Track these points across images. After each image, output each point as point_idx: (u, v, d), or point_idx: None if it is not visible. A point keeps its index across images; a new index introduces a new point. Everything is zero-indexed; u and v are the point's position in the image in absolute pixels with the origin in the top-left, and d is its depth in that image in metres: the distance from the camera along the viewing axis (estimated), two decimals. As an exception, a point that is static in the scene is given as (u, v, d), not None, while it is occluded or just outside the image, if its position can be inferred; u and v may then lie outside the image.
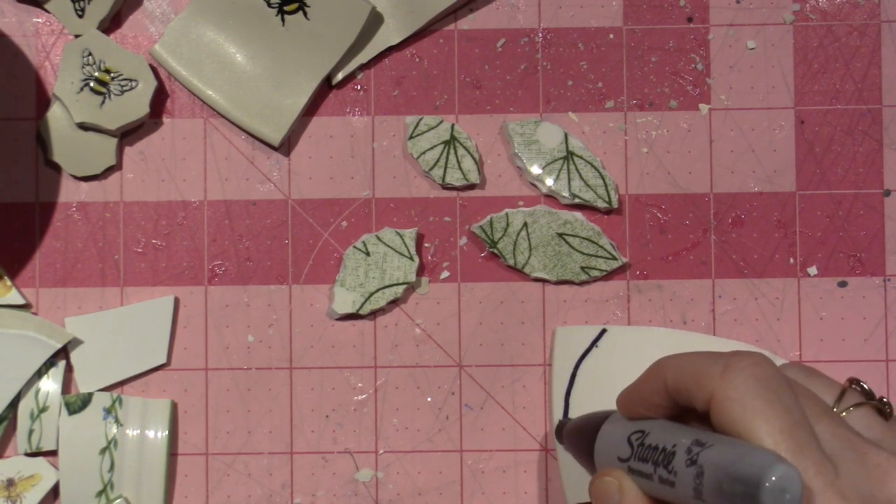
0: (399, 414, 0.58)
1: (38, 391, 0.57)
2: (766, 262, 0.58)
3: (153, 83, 0.57)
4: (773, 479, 0.36)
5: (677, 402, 0.43)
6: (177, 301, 0.58)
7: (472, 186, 0.58)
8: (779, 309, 0.58)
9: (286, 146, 0.58)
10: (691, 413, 0.43)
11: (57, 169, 0.58)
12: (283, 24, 0.57)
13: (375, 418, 0.58)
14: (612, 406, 0.56)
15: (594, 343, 0.57)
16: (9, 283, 0.57)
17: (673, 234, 0.58)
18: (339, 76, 0.58)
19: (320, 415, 0.58)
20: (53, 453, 0.57)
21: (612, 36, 0.59)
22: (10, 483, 0.56)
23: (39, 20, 0.58)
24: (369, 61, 0.59)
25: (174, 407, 0.57)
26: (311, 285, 0.58)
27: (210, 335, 0.58)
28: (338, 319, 0.58)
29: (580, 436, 0.50)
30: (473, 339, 0.58)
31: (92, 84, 0.57)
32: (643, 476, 0.42)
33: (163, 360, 0.58)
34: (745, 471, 0.37)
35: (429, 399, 0.58)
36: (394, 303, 0.58)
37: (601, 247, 0.57)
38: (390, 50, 0.59)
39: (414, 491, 0.58)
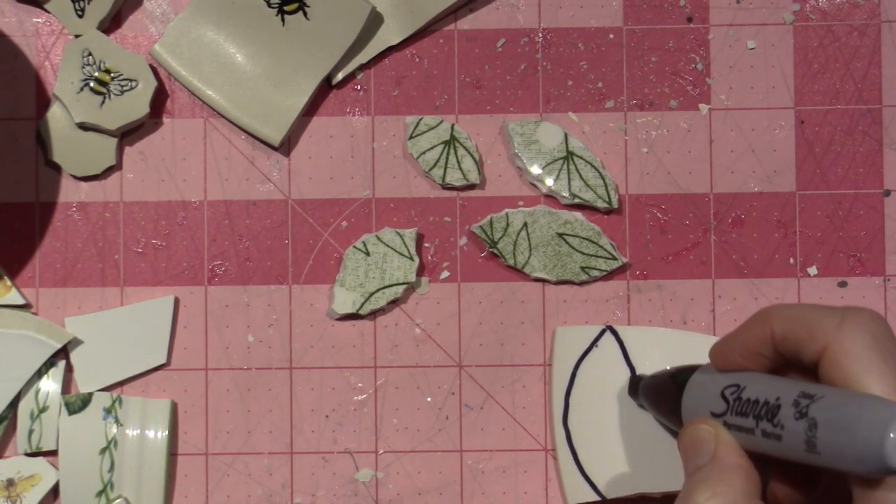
0: (399, 414, 0.58)
1: (38, 391, 0.57)
2: (766, 262, 0.58)
3: (153, 83, 0.57)
4: None
5: (780, 353, 0.42)
6: (177, 301, 0.58)
7: (472, 186, 0.58)
8: (779, 309, 0.58)
9: (286, 146, 0.58)
10: (791, 366, 0.42)
11: (57, 169, 0.58)
12: (283, 24, 0.57)
13: (375, 418, 0.58)
14: (611, 406, 0.57)
15: (594, 343, 0.57)
16: (9, 283, 0.57)
17: (673, 234, 0.58)
18: (339, 76, 0.58)
19: (320, 415, 0.58)
20: (53, 453, 0.57)
21: (612, 36, 0.59)
22: (10, 483, 0.56)
23: (39, 20, 0.58)
24: (369, 61, 0.59)
25: (174, 407, 0.57)
26: (311, 285, 0.58)
27: (210, 335, 0.58)
28: (338, 319, 0.58)
29: (661, 392, 0.49)
30: (473, 339, 0.58)
31: (92, 84, 0.57)
32: (742, 430, 0.42)
33: (163, 360, 0.58)
34: (868, 419, 0.36)
35: (429, 399, 0.58)
36: (394, 303, 0.58)
37: (601, 247, 0.57)
38: (390, 50, 0.59)
39: (414, 491, 0.58)
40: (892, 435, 0.36)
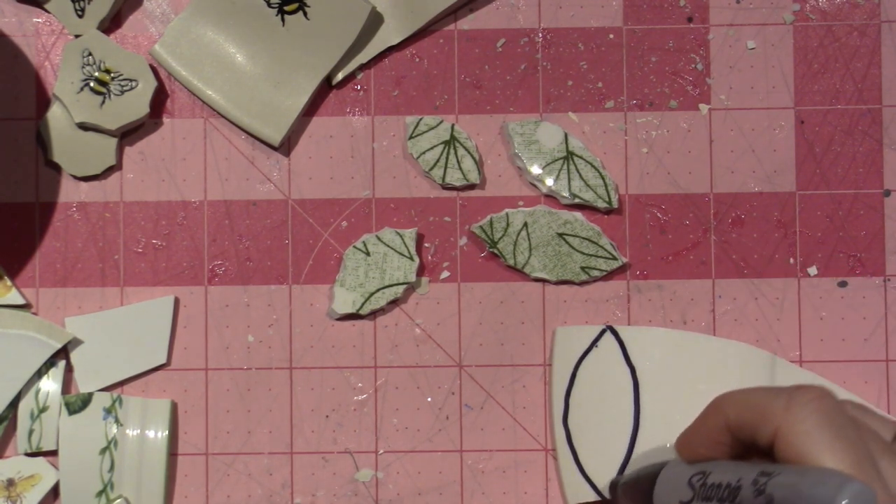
0: (399, 414, 0.58)
1: (38, 391, 0.57)
2: (766, 262, 0.58)
3: (153, 83, 0.57)
4: (850, 496, 0.36)
5: (739, 440, 0.43)
6: (177, 301, 0.58)
7: (472, 186, 0.58)
8: (779, 309, 0.58)
9: (286, 146, 0.58)
10: (753, 451, 0.43)
11: (57, 169, 0.58)
12: (283, 24, 0.57)
13: (375, 418, 0.58)
14: (613, 404, 0.57)
15: (594, 343, 0.57)
16: (9, 283, 0.57)
17: (673, 234, 0.58)
18: (339, 76, 0.58)
19: (320, 415, 0.58)
20: (53, 453, 0.57)
21: (612, 36, 0.59)
22: (10, 483, 0.56)
23: (39, 20, 0.58)
24: (369, 61, 0.59)
25: (174, 407, 0.57)
26: (311, 285, 0.58)
27: (210, 335, 0.58)
28: (338, 319, 0.58)
29: (637, 488, 0.50)
30: (473, 339, 0.58)
31: (92, 84, 0.57)
32: None
33: (163, 360, 0.58)
34: (820, 491, 0.37)
35: (429, 399, 0.58)
36: (394, 303, 0.58)
37: (601, 247, 0.57)
38: (390, 50, 0.59)
39: (414, 491, 0.58)
40: (843, 502, 0.36)
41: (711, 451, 0.44)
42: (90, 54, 0.57)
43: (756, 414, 0.42)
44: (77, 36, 0.57)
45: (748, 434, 0.42)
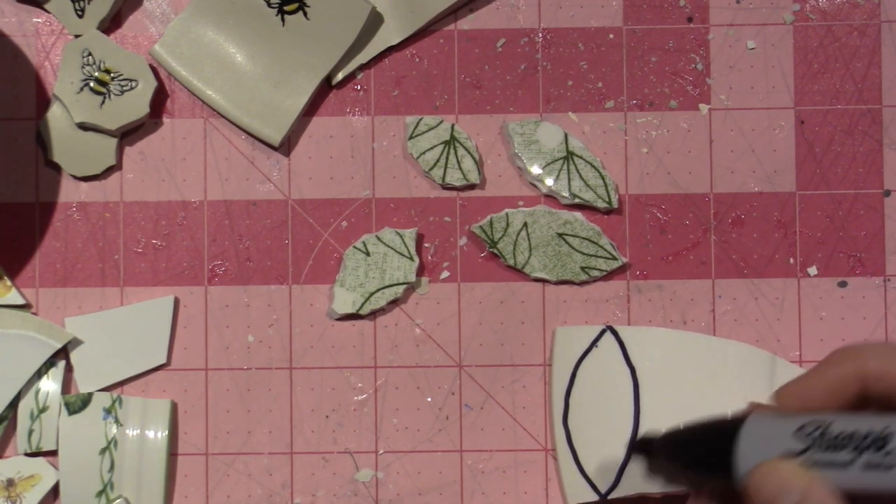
0: (399, 414, 0.58)
1: (38, 391, 0.57)
2: (766, 262, 0.58)
3: (153, 83, 0.57)
4: None
5: (867, 392, 0.42)
6: (177, 301, 0.58)
7: (472, 186, 0.58)
8: (779, 309, 0.58)
9: (286, 146, 0.58)
10: (870, 407, 0.42)
11: (57, 169, 0.58)
12: (283, 24, 0.57)
13: (375, 418, 0.58)
14: (613, 405, 0.56)
15: (594, 343, 0.57)
16: (9, 283, 0.57)
17: (673, 234, 0.58)
18: (339, 76, 0.58)
19: (320, 415, 0.58)
20: (53, 453, 0.57)
21: (612, 36, 0.59)
22: (10, 483, 0.56)
23: (39, 20, 0.58)
24: (369, 61, 0.59)
25: (174, 407, 0.57)
26: (311, 285, 0.58)
27: (210, 335, 0.58)
28: (338, 319, 0.58)
29: (694, 443, 0.47)
30: (473, 339, 0.58)
31: (92, 84, 0.57)
32: (832, 467, 0.42)
33: (163, 360, 0.58)
34: None
35: (429, 399, 0.58)
36: (394, 303, 0.58)
37: (601, 247, 0.57)
38: (390, 50, 0.59)
39: (414, 491, 0.58)
40: None
41: (829, 402, 0.43)
42: (90, 54, 0.57)
43: None
44: (77, 36, 0.57)
45: (889, 385, 0.41)
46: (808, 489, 0.41)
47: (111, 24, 0.58)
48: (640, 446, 0.50)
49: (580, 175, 0.58)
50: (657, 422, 0.56)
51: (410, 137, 0.58)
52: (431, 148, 0.58)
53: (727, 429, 0.45)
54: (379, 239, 0.57)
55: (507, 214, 0.57)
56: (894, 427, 0.40)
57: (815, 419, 0.43)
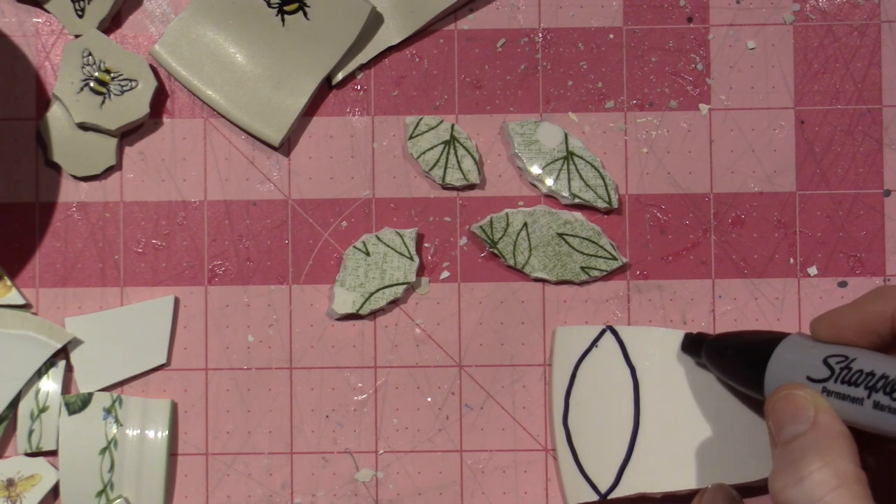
0: (399, 414, 0.58)
1: (38, 391, 0.57)
2: (766, 262, 0.58)
3: (153, 83, 0.57)
4: None
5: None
6: (177, 301, 0.58)
7: (472, 186, 0.58)
8: (779, 309, 0.58)
9: (286, 146, 0.58)
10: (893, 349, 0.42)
11: (57, 169, 0.58)
12: (283, 24, 0.57)
13: (375, 418, 0.58)
14: (613, 405, 0.57)
15: (594, 343, 0.57)
16: (9, 283, 0.57)
17: (673, 234, 0.58)
18: (339, 76, 0.58)
19: (320, 415, 0.58)
20: (53, 453, 0.57)
21: (612, 36, 0.59)
22: (10, 483, 0.56)
23: (39, 20, 0.58)
24: (369, 61, 0.59)
25: (174, 407, 0.57)
26: (311, 285, 0.58)
27: (210, 335, 0.58)
28: (338, 319, 0.58)
29: (736, 351, 0.48)
30: (473, 339, 0.58)
31: (92, 84, 0.57)
32: (845, 399, 0.42)
33: (163, 360, 0.58)
34: None
35: (429, 399, 0.58)
36: (394, 303, 0.58)
37: (601, 247, 0.57)
38: (390, 50, 0.59)
39: (414, 491, 0.58)
40: None
41: (859, 338, 0.43)
42: (90, 54, 0.57)
43: None
44: (77, 36, 0.57)
45: None
46: (818, 417, 0.42)
47: (111, 24, 0.58)
48: (691, 345, 0.53)
49: (580, 175, 0.58)
50: (657, 422, 0.56)
51: (410, 137, 0.58)
52: (431, 148, 0.58)
53: (767, 346, 0.46)
54: (379, 239, 0.57)
55: (507, 214, 0.57)
56: None
57: (842, 351, 0.43)
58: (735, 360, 0.49)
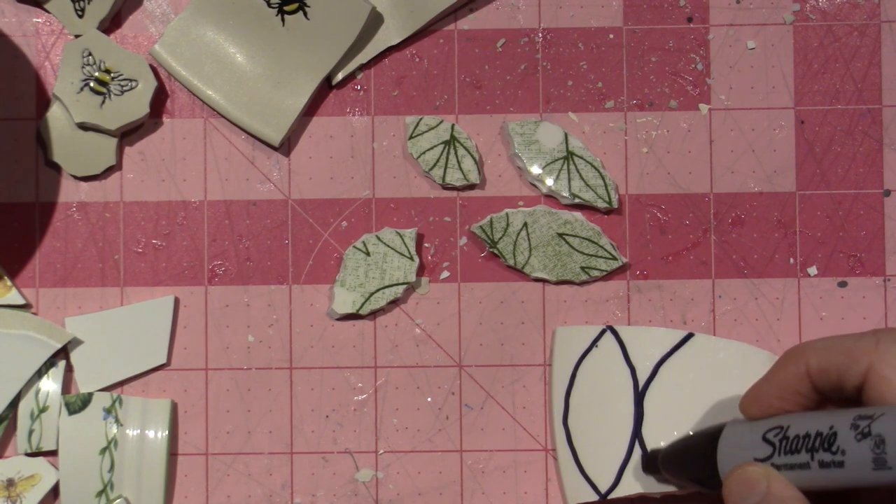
0: (399, 414, 0.58)
1: (38, 391, 0.57)
2: (766, 262, 0.58)
3: (153, 83, 0.57)
4: None
5: (818, 389, 0.43)
6: (177, 301, 0.58)
7: (472, 186, 0.58)
8: (779, 309, 0.58)
9: (286, 146, 0.58)
10: (827, 402, 0.43)
11: (57, 169, 0.58)
12: (283, 24, 0.57)
13: (375, 418, 0.58)
14: (613, 405, 0.57)
15: (594, 343, 0.57)
16: (9, 283, 0.57)
17: (673, 234, 0.58)
18: (339, 76, 0.58)
19: (320, 415, 0.58)
20: (53, 453, 0.57)
21: (612, 36, 0.59)
22: (10, 483, 0.56)
23: (39, 20, 0.58)
24: (369, 61, 0.59)
25: (174, 407, 0.57)
26: (311, 285, 0.58)
27: (210, 335, 0.58)
28: (338, 319, 0.58)
29: (687, 455, 0.49)
30: (473, 339, 0.58)
31: (92, 84, 0.57)
32: (794, 468, 0.42)
33: (163, 360, 0.58)
34: None
35: (429, 399, 0.58)
36: (394, 303, 0.58)
37: (601, 247, 0.57)
38: (390, 50, 0.59)
39: (414, 491, 0.58)
40: None
41: (785, 404, 0.44)
42: (90, 54, 0.57)
43: (842, 356, 0.41)
44: (77, 36, 0.57)
45: (833, 379, 0.42)
46: (771, 487, 0.43)
47: (111, 24, 0.58)
48: (648, 463, 0.54)
49: (580, 175, 0.58)
50: (657, 422, 0.56)
51: (410, 137, 0.58)
52: (431, 148, 0.58)
53: (710, 442, 0.47)
54: (379, 239, 0.57)
55: (507, 214, 0.57)
56: (838, 425, 0.41)
57: (776, 423, 0.44)
58: (688, 465, 0.50)
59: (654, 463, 0.53)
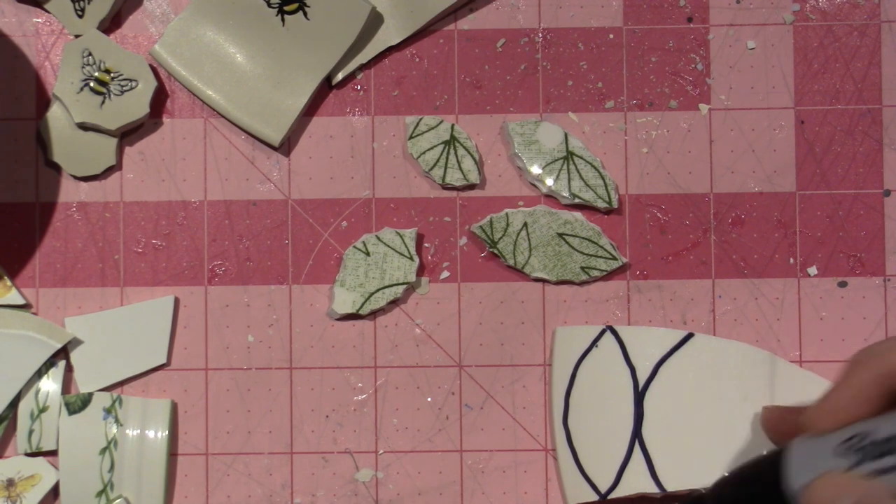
0: (399, 414, 0.58)
1: (38, 391, 0.57)
2: (766, 262, 0.58)
3: (153, 83, 0.57)
4: None
5: (893, 391, 0.42)
6: (177, 301, 0.58)
7: (472, 186, 0.58)
8: (779, 309, 0.58)
9: (286, 146, 0.58)
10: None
11: (57, 169, 0.58)
12: (283, 24, 0.57)
13: (375, 418, 0.58)
14: (613, 404, 0.57)
15: (594, 343, 0.57)
16: (9, 283, 0.57)
17: (673, 234, 0.58)
18: (339, 76, 0.58)
19: (320, 415, 0.58)
20: (53, 453, 0.57)
21: (612, 36, 0.59)
22: (10, 483, 0.56)
23: (39, 20, 0.58)
24: (369, 61, 0.59)
25: (174, 407, 0.57)
26: (311, 285, 0.58)
27: (210, 335, 0.58)
28: (338, 319, 0.58)
29: (743, 492, 0.47)
30: (473, 339, 0.58)
31: (92, 84, 0.57)
32: (882, 473, 0.41)
33: (163, 360, 0.58)
34: None
35: (429, 399, 0.58)
36: (394, 303, 0.58)
37: (601, 247, 0.57)
38: (390, 50, 0.59)
39: (414, 491, 0.58)
40: None
41: (858, 411, 0.43)
42: (90, 54, 0.57)
43: None
44: (77, 36, 0.57)
45: None
46: (865, 490, 0.41)
47: (111, 24, 0.58)
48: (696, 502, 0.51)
49: (580, 175, 0.58)
50: (657, 422, 0.56)
51: (410, 137, 0.58)
52: (431, 148, 0.58)
53: (772, 464, 0.45)
54: (379, 239, 0.57)
55: (507, 214, 0.57)
56: None
57: (855, 431, 0.43)
58: (748, 496, 0.47)
59: (703, 500, 0.50)
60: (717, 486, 0.49)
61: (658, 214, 0.58)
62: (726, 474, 0.49)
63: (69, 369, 0.57)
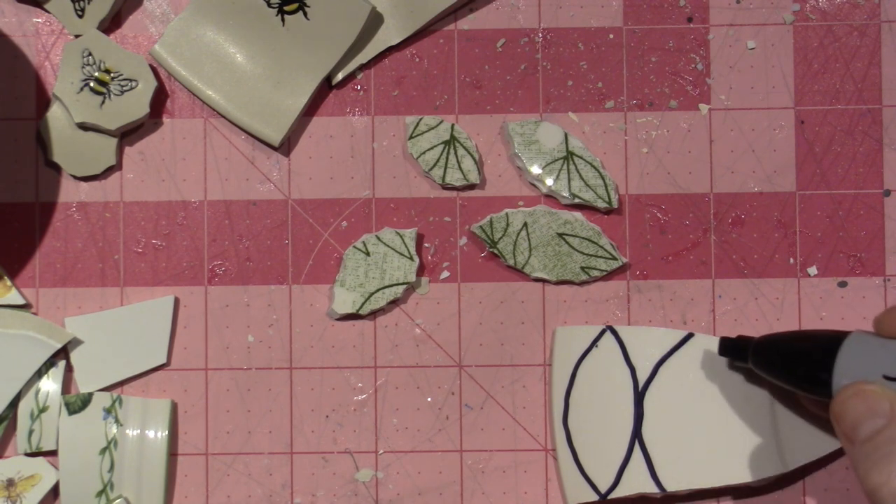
0: (399, 414, 0.58)
1: (38, 391, 0.57)
2: (766, 262, 0.58)
3: (153, 83, 0.57)
4: None
5: None
6: (177, 301, 0.58)
7: (472, 186, 0.58)
8: (779, 309, 0.58)
9: (286, 146, 0.58)
10: None
11: (57, 169, 0.58)
12: (283, 24, 0.57)
13: (375, 418, 0.58)
14: (613, 404, 0.56)
15: (594, 343, 0.57)
16: (9, 283, 0.57)
17: (673, 234, 0.58)
18: (339, 76, 0.58)
19: (320, 415, 0.58)
20: (53, 453, 0.57)
21: (612, 36, 0.59)
22: (10, 483, 0.56)
23: (39, 20, 0.58)
24: (369, 61, 0.59)
25: (174, 407, 0.57)
26: (311, 285, 0.58)
27: (210, 335, 0.58)
28: (338, 319, 0.58)
29: (794, 352, 0.46)
30: (473, 339, 0.58)
31: (92, 84, 0.57)
32: None
33: (163, 360, 0.58)
34: None
35: (429, 399, 0.58)
36: (394, 303, 0.58)
37: (601, 247, 0.57)
38: (390, 50, 0.59)
39: (414, 491, 0.58)
40: None
41: None
42: (90, 54, 0.57)
43: None
44: (77, 36, 0.57)
45: None
46: (895, 410, 0.40)
47: (111, 24, 0.58)
48: (732, 349, 0.50)
49: (580, 175, 0.58)
50: (657, 422, 0.56)
51: (410, 137, 0.58)
52: (431, 148, 0.58)
53: (828, 346, 0.44)
54: (379, 239, 0.57)
55: (507, 214, 0.57)
56: None
57: None
58: (794, 363, 0.47)
59: (737, 347, 0.50)
60: (772, 338, 0.47)
61: (658, 214, 0.58)
62: (783, 333, 0.47)
63: (69, 369, 0.57)
